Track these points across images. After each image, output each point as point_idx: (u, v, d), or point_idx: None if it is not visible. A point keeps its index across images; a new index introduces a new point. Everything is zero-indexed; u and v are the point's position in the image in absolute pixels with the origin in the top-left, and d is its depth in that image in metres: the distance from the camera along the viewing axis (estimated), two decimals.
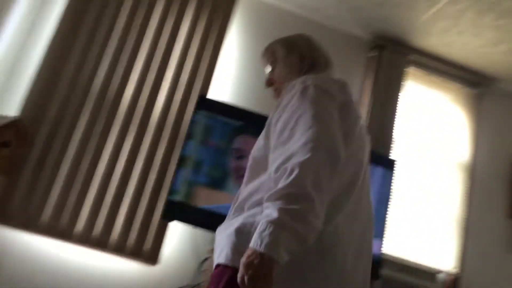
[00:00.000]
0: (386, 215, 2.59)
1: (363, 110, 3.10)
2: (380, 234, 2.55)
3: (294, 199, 1.04)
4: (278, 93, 1.51)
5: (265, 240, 1.01)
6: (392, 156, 3.00)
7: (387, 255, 2.90)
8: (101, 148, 2.61)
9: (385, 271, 2.91)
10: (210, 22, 2.92)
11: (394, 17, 2.99)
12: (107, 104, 2.67)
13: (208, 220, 2.42)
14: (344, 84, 1.35)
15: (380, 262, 2.53)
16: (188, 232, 2.65)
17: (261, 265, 1.00)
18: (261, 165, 1.29)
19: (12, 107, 2.55)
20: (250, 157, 1.37)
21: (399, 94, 3.14)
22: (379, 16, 3.03)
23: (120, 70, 2.72)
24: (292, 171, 1.07)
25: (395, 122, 3.09)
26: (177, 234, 2.68)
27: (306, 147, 1.10)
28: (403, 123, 3.23)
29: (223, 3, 2.96)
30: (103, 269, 2.53)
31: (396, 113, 3.11)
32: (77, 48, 2.68)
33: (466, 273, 3.06)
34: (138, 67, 2.76)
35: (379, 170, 2.66)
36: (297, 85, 1.27)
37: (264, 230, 1.02)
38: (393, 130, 3.07)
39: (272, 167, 1.15)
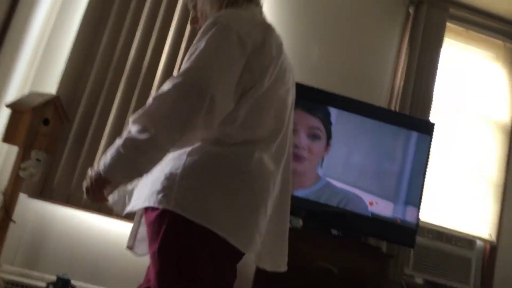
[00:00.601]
0: (423, 182, 2.55)
1: (401, 71, 3.02)
2: (416, 201, 2.53)
3: (141, 130, 1.10)
4: None
5: (105, 162, 1.12)
6: (430, 119, 2.93)
7: (423, 222, 2.87)
8: None
9: (421, 239, 2.89)
10: None
11: None
12: (140, 79, 2.70)
13: None
14: (262, 25, 1.35)
15: (416, 230, 2.51)
16: None
17: (96, 181, 1.14)
18: None
19: (50, 85, 2.61)
20: None
21: (438, 52, 3.05)
22: None
23: (151, 45, 2.74)
24: (149, 102, 1.13)
25: (434, 82, 3.01)
26: None
27: (173, 81, 1.12)
28: (441, 83, 3.13)
29: None
30: None
31: (435, 73, 3.02)
32: (109, 25, 2.69)
33: (503, 240, 3.02)
34: (169, 41, 2.77)
35: (414, 135, 2.61)
36: (208, 21, 1.25)
37: (111, 152, 1.13)
38: (432, 92, 2.99)
39: None
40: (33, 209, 2.51)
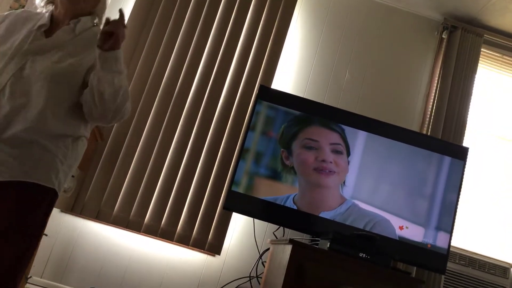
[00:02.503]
0: (456, 207, 2.48)
1: (433, 95, 2.97)
2: (448, 226, 2.45)
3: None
4: None
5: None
6: (463, 144, 2.87)
7: (455, 248, 2.78)
8: (167, 141, 2.71)
9: (452, 265, 2.80)
10: (273, 11, 2.95)
11: None
12: (174, 99, 2.76)
13: (267, 212, 2.45)
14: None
15: (447, 255, 2.43)
16: (250, 223, 2.68)
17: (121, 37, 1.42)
18: None
19: None
20: None
21: (472, 77, 3.01)
22: None
23: (186, 64, 2.81)
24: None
25: (468, 107, 2.96)
26: (239, 225, 2.73)
27: None
28: (476, 107, 3.07)
29: None
30: (168, 259, 2.62)
31: (469, 98, 2.98)
32: (145, 45, 2.80)
33: None
34: (203, 60, 2.84)
35: (447, 160, 2.56)
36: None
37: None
38: (465, 116, 2.94)
39: None
40: (64, 224, 2.57)
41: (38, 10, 1.58)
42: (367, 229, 2.43)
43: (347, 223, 2.43)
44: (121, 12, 1.41)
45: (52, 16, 1.54)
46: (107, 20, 1.40)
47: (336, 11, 3.10)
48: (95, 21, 1.61)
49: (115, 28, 1.38)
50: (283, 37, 2.92)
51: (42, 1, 1.57)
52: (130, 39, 2.76)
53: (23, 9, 1.62)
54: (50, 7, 1.56)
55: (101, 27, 1.61)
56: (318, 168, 2.44)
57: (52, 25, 1.52)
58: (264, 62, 2.87)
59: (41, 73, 1.40)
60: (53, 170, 1.42)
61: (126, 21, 1.43)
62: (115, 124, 2.66)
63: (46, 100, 1.40)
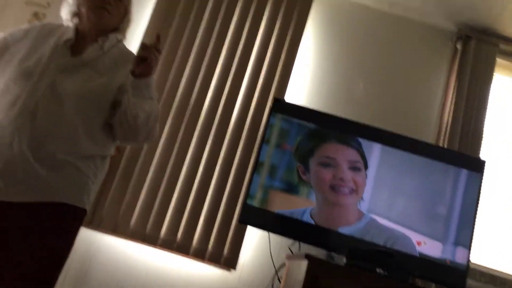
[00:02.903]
0: (474, 222, 2.45)
1: (449, 107, 2.95)
2: (466, 242, 2.41)
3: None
4: None
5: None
6: (480, 156, 2.82)
7: (474, 264, 2.73)
8: (182, 155, 2.72)
9: (472, 282, 2.74)
10: (286, 23, 2.95)
11: (481, 4, 2.85)
12: (189, 112, 2.78)
13: (283, 226, 2.44)
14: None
15: (466, 272, 2.39)
16: (265, 238, 2.68)
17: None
18: None
19: None
20: None
21: (488, 87, 2.98)
22: (464, 5, 2.89)
23: (200, 78, 2.83)
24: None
25: (484, 118, 2.92)
26: (254, 239, 2.72)
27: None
28: (492, 119, 3.03)
29: (299, 3, 2.99)
30: (184, 274, 2.62)
31: (485, 109, 2.94)
32: (160, 60, 2.82)
33: None
34: (216, 74, 2.85)
35: (464, 172, 2.53)
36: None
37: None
38: (482, 128, 2.90)
39: None
40: (81, 237, 2.59)
41: (65, 24, 1.59)
42: (387, 245, 2.40)
43: (367, 239, 2.40)
44: (157, 37, 1.42)
45: (77, 30, 1.55)
46: (143, 44, 1.41)
47: (349, 22, 3.10)
48: (120, 37, 1.62)
49: (149, 53, 1.39)
50: (296, 49, 2.93)
51: (67, 14, 1.58)
52: None
53: (45, 22, 1.63)
54: (75, 20, 1.57)
55: (125, 38, 1.62)
56: (336, 186, 2.42)
57: (77, 39, 1.53)
58: (277, 74, 2.88)
59: (72, 92, 1.40)
60: (86, 190, 1.44)
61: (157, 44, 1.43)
62: None
63: (78, 120, 1.41)
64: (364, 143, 2.52)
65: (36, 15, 2.97)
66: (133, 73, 1.41)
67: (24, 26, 1.58)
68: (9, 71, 1.43)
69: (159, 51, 1.43)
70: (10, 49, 1.49)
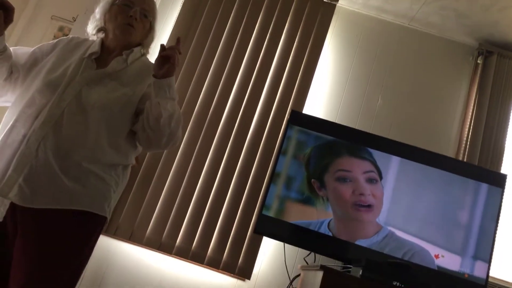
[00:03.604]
0: (494, 236, 2.39)
1: (469, 121, 2.92)
2: (486, 256, 2.36)
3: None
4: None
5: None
6: (502, 170, 2.79)
7: (493, 278, 2.66)
8: (200, 165, 2.75)
9: None
10: (306, 36, 2.99)
11: (501, 19, 2.84)
12: (207, 122, 2.82)
13: (299, 237, 2.42)
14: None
15: (485, 286, 2.32)
16: (280, 248, 2.66)
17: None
18: None
19: None
20: None
21: (509, 102, 2.95)
22: (485, 21, 2.89)
23: (219, 90, 2.87)
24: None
25: (505, 132, 2.89)
26: (269, 249, 2.70)
27: None
28: None
29: (319, 17, 3.03)
30: (198, 283, 2.62)
31: (507, 123, 2.91)
32: (180, 72, 2.88)
33: None
34: (235, 85, 2.89)
35: (484, 187, 2.48)
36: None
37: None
38: (503, 142, 2.87)
39: None
40: (99, 244, 2.60)
41: (90, 39, 1.64)
42: (406, 258, 2.36)
43: (385, 252, 2.37)
44: (178, 39, 1.47)
45: (102, 44, 1.60)
46: (162, 46, 1.44)
47: (368, 37, 3.12)
48: (143, 51, 1.66)
49: (172, 52, 1.42)
50: (315, 62, 2.95)
51: (93, 29, 1.63)
52: None
53: (72, 36, 1.69)
54: (101, 35, 1.62)
55: (148, 53, 1.67)
56: (357, 203, 2.40)
57: (103, 52, 1.58)
58: (296, 87, 2.90)
59: (96, 102, 1.44)
60: (107, 199, 1.47)
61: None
62: None
63: (102, 129, 1.44)
64: (382, 155, 2.50)
65: (61, 29, 3.08)
66: (155, 75, 1.44)
67: (54, 41, 1.65)
68: (36, 83, 1.48)
69: (179, 52, 1.45)
70: (38, 63, 1.55)
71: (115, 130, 1.48)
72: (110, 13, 1.58)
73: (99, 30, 1.62)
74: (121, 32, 1.56)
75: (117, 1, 1.59)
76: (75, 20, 3.00)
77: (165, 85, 1.44)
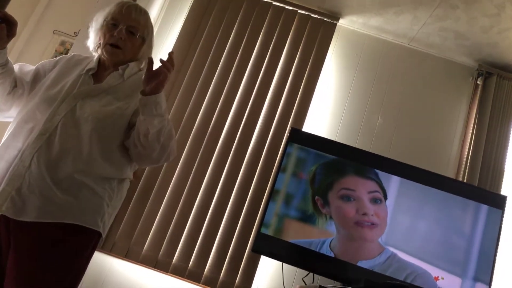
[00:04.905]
0: (494, 258, 2.37)
1: (469, 142, 2.92)
2: (486, 278, 2.33)
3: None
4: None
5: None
6: (502, 191, 2.77)
7: None
8: (198, 182, 2.73)
9: None
10: (306, 55, 3.00)
11: (502, 42, 2.86)
12: (206, 139, 2.80)
13: (298, 257, 2.39)
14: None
15: None
16: (278, 267, 2.63)
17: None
18: None
19: None
20: None
21: (509, 123, 2.96)
22: (484, 42, 2.91)
23: (219, 106, 2.87)
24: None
25: (505, 154, 2.89)
26: (267, 268, 2.67)
27: None
28: None
29: (319, 36, 3.04)
30: None
31: (506, 144, 2.91)
32: (181, 88, 2.88)
33: None
34: (235, 102, 2.89)
35: (484, 208, 2.47)
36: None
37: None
38: (503, 163, 2.86)
39: None
40: (94, 260, 2.57)
41: (94, 54, 1.66)
42: (408, 281, 2.33)
43: (387, 274, 2.34)
44: (170, 54, 1.45)
45: (99, 60, 1.62)
46: (150, 59, 1.43)
47: (368, 55, 3.14)
48: (141, 66, 1.67)
49: (161, 69, 1.41)
50: (315, 81, 2.96)
51: (91, 45, 1.66)
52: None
53: (73, 53, 1.71)
54: (99, 51, 1.63)
55: (143, 66, 1.67)
56: (360, 222, 2.39)
57: (100, 68, 1.60)
58: (296, 105, 2.90)
59: (90, 115, 1.44)
60: (100, 213, 1.45)
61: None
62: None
63: (95, 142, 1.44)
64: (382, 175, 2.49)
65: (63, 43, 3.09)
66: (143, 92, 1.44)
67: (57, 58, 1.68)
68: (35, 99, 1.50)
69: (169, 68, 1.43)
70: (41, 79, 1.58)
71: (108, 143, 1.47)
72: (102, 31, 1.60)
73: (96, 47, 1.64)
74: (106, 52, 1.57)
75: (106, 20, 1.60)
76: (76, 35, 3.01)
77: (151, 103, 1.42)
